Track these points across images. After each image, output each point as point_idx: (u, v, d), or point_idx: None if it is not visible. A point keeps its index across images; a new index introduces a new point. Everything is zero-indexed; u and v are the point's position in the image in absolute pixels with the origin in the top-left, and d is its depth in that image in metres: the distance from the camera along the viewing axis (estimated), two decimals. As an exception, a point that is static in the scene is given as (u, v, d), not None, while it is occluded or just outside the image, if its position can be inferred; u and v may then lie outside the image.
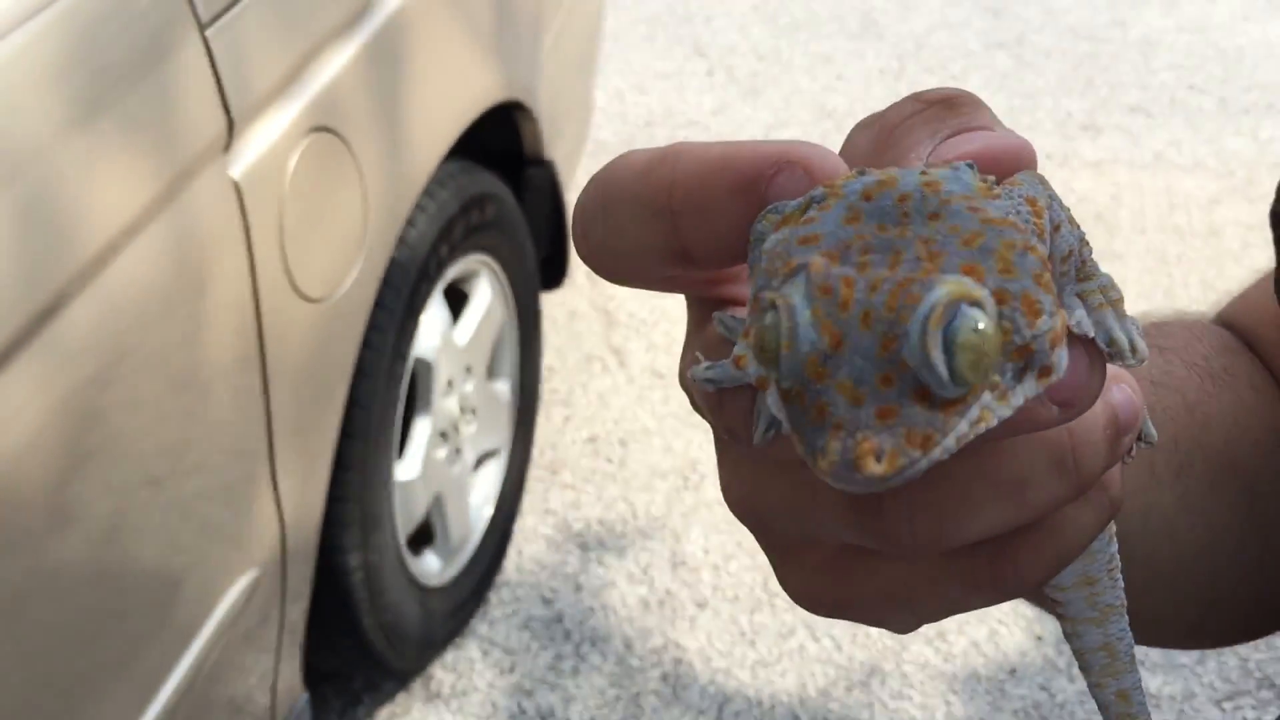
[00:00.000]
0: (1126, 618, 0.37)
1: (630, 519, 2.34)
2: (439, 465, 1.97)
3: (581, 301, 2.83)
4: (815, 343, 0.25)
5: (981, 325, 0.25)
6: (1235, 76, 3.69)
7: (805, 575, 0.32)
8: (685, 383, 0.32)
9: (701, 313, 0.32)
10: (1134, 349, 0.28)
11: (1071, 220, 0.28)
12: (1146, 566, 0.38)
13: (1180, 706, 1.98)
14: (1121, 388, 0.30)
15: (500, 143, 2.13)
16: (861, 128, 0.32)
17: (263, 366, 1.46)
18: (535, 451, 2.40)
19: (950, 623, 2.15)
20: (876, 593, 0.31)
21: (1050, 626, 2.13)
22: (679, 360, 0.33)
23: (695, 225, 0.29)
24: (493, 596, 2.19)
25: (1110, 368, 0.30)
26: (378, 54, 1.65)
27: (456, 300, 2.01)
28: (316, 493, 1.63)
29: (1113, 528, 0.36)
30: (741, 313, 0.30)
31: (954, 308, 0.25)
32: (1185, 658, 2.09)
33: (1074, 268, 0.28)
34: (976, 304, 0.25)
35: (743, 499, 0.32)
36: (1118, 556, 0.36)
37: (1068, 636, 0.37)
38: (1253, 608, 0.56)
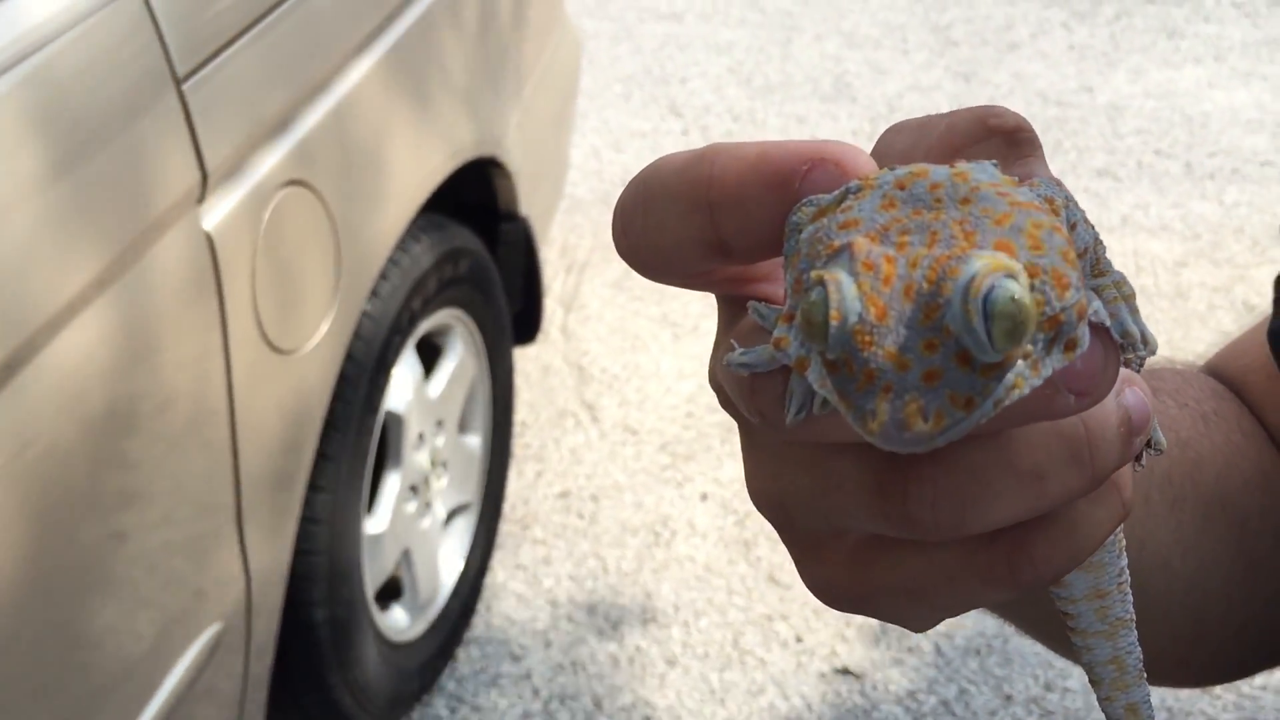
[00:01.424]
0: (1135, 632, 0.38)
1: (601, 575, 2.33)
2: (409, 519, 1.96)
3: (555, 357, 2.84)
4: (861, 314, 0.27)
5: (1017, 295, 0.26)
6: (1201, 142, 3.76)
7: (826, 569, 0.33)
8: (715, 380, 0.33)
9: (732, 312, 0.34)
10: (1145, 340, 0.30)
11: (1086, 220, 0.30)
12: (1140, 596, 0.39)
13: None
14: (1134, 391, 0.31)
15: (475, 198, 2.15)
16: (901, 131, 0.33)
17: (232, 419, 1.45)
18: (506, 506, 2.40)
19: (920, 681, 2.14)
20: (896, 586, 0.31)
21: (1020, 686, 2.12)
22: (709, 360, 0.34)
23: (732, 218, 0.31)
24: (461, 653, 2.18)
25: (1124, 371, 0.31)
26: (353, 109, 1.66)
27: (429, 354, 2.01)
28: (284, 546, 1.62)
29: (1123, 542, 0.37)
30: (774, 298, 0.32)
31: (992, 278, 0.26)
32: None
33: (1089, 264, 0.30)
34: (1012, 276, 0.27)
35: (768, 491, 0.33)
36: (1127, 570, 0.37)
37: (1078, 650, 0.38)
38: (1238, 644, 0.58)
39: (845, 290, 0.27)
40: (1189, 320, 2.99)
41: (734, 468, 2.51)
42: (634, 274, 3.13)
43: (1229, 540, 0.55)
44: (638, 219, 0.32)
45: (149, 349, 1.32)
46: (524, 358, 2.76)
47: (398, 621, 1.99)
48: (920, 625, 0.33)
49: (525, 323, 2.41)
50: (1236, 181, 3.56)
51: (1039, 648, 2.19)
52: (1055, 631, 0.49)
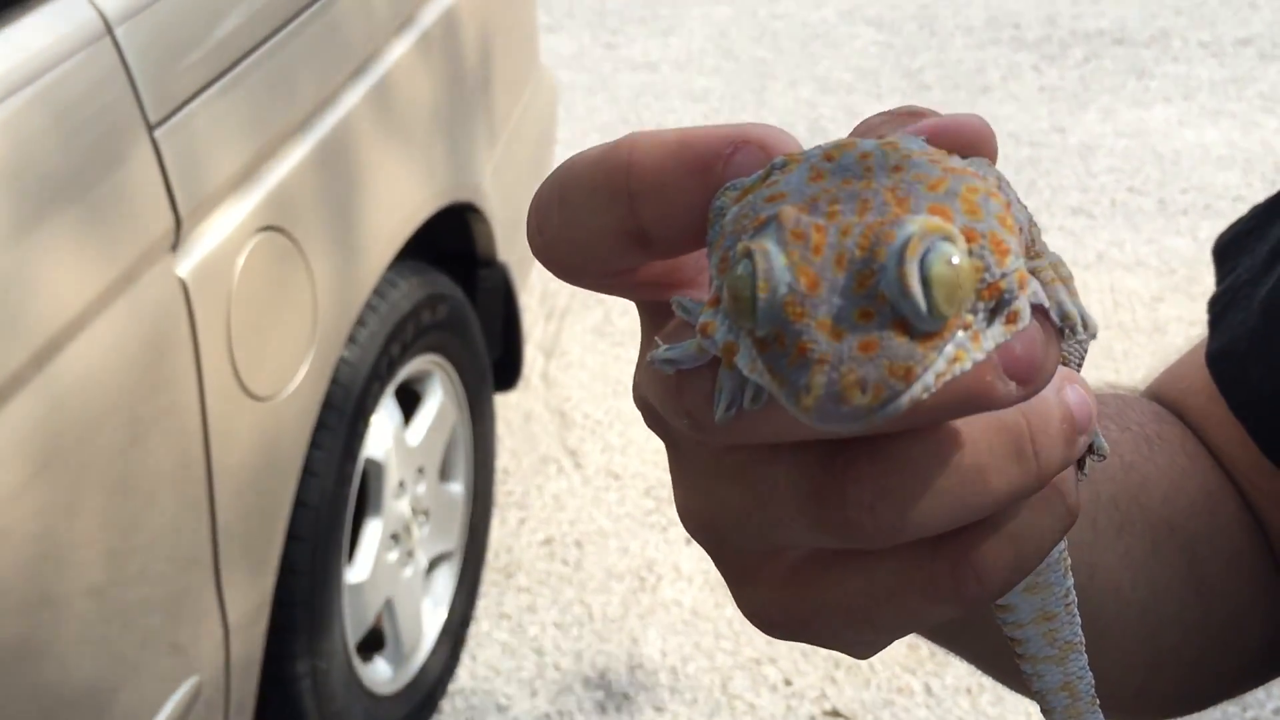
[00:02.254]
0: (1085, 656, 0.36)
1: (586, 622, 2.31)
2: (390, 568, 1.94)
3: (537, 404, 2.83)
4: (791, 284, 0.25)
5: (956, 259, 0.25)
6: (1173, 179, 3.79)
7: (763, 594, 0.31)
8: (639, 395, 0.31)
9: (654, 321, 0.32)
10: (1085, 323, 0.28)
11: (1019, 201, 0.29)
12: (1093, 624, 0.37)
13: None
14: (1075, 389, 0.30)
15: (454, 244, 2.15)
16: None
17: (208, 469, 1.43)
18: (490, 554, 2.37)
19: (912, 722, 2.12)
20: (836, 607, 0.30)
21: (1012, 724, 2.10)
22: (633, 377, 0.32)
23: (653, 205, 0.29)
24: (445, 704, 2.14)
25: (1066, 370, 0.30)
26: (329, 154, 1.66)
27: (409, 401, 2.00)
28: (262, 598, 1.59)
29: (1068, 561, 0.35)
30: (700, 298, 0.30)
31: (928, 240, 0.25)
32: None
33: (1025, 245, 0.29)
34: (948, 239, 0.25)
35: (698, 511, 0.31)
36: (1074, 592, 0.35)
37: (1028, 678, 0.36)
38: (1197, 671, 0.57)
39: (774, 261, 0.25)
40: (1167, 354, 2.99)
41: (718, 511, 2.48)
42: (616, 320, 3.14)
43: (1179, 565, 0.54)
44: (554, 214, 0.31)
45: (122, 399, 1.30)
46: (505, 405, 2.74)
47: (380, 673, 1.96)
48: (863, 650, 0.31)
49: (506, 369, 2.40)
50: (1210, 217, 3.59)
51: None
52: (1004, 663, 0.47)
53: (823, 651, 2.22)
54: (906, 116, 0.31)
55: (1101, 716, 0.37)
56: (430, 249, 1.99)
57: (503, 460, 2.60)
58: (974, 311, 0.26)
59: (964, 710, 2.13)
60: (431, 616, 2.08)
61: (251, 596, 1.56)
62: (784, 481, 0.28)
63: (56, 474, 1.22)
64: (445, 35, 2.02)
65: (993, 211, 0.26)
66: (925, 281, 0.25)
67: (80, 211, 1.25)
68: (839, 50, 4.68)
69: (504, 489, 2.57)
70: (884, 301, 0.25)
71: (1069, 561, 0.35)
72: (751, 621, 0.32)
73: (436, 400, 2.04)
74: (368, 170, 1.77)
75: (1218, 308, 0.59)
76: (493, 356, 2.27)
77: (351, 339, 1.74)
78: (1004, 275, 0.26)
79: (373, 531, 1.89)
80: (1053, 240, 3.49)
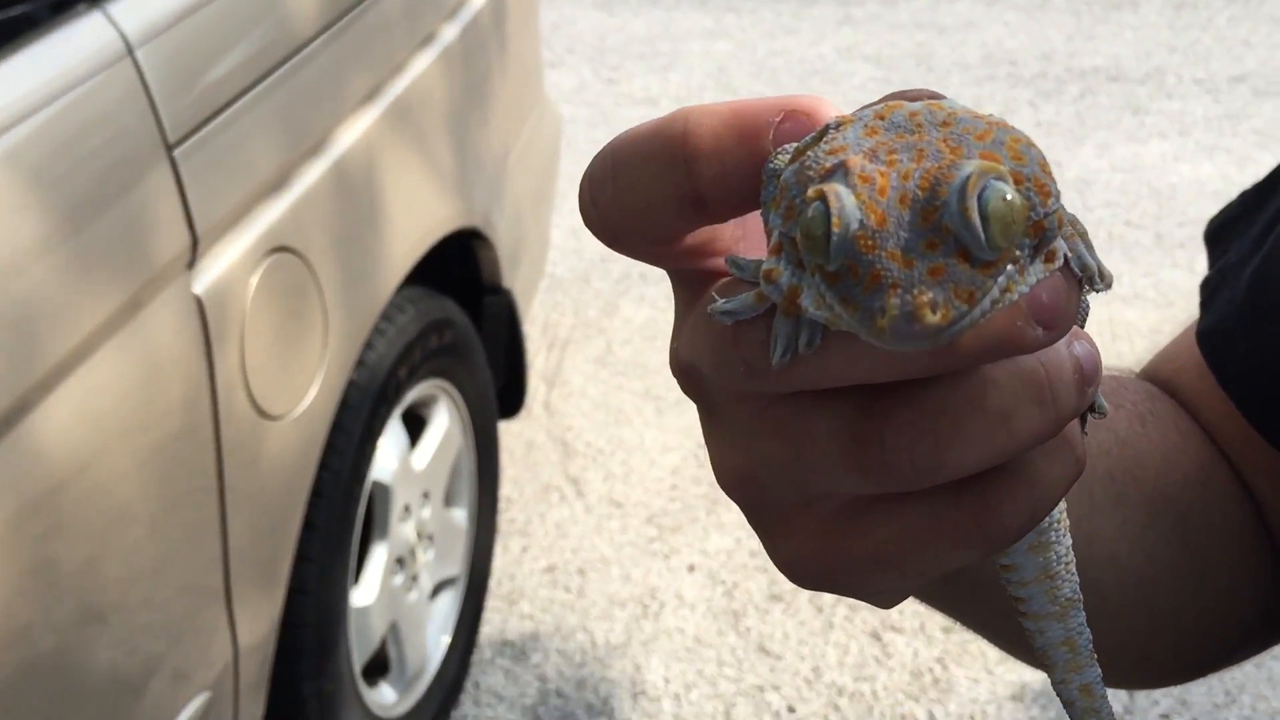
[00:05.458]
0: (1084, 613, 0.38)
1: (589, 649, 2.30)
2: (396, 592, 1.94)
3: (539, 433, 2.83)
4: (863, 220, 0.28)
5: (1010, 196, 0.28)
6: (1169, 213, 3.83)
7: (796, 543, 0.33)
8: (678, 360, 0.33)
9: (689, 292, 0.34)
10: (1102, 274, 0.31)
11: None
12: (1092, 593, 0.40)
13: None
14: (1083, 343, 0.32)
15: (459, 270, 2.16)
16: None
17: (220, 493, 1.44)
18: (493, 582, 2.37)
19: (916, 750, 2.12)
20: (866, 555, 0.32)
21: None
22: (670, 344, 0.34)
23: (709, 170, 0.32)
24: (449, 731, 2.14)
25: (1074, 327, 0.32)
26: (340, 179, 1.68)
27: (414, 426, 2.01)
28: (272, 619, 1.59)
29: (1066, 522, 0.38)
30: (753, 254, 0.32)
31: (985, 179, 0.28)
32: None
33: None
34: (1002, 178, 0.28)
35: (738, 467, 0.33)
36: (1072, 551, 0.38)
37: (1030, 635, 0.38)
38: (1196, 638, 0.59)
39: (844, 200, 0.28)
40: (1167, 385, 3.01)
41: (720, 539, 2.49)
42: (617, 350, 3.15)
43: (1174, 535, 0.56)
44: (608, 185, 0.33)
45: (137, 419, 1.31)
46: (508, 434, 2.75)
47: (385, 697, 1.96)
48: (888, 599, 0.34)
49: (510, 397, 2.41)
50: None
51: (1037, 716, 2.17)
52: (1004, 626, 0.50)
53: (826, 678, 2.22)
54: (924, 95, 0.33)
55: (1099, 670, 0.39)
56: (437, 275, 2.01)
57: (505, 489, 2.61)
58: (1021, 247, 0.29)
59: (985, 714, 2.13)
60: (436, 642, 2.08)
61: (261, 618, 1.56)
62: (825, 430, 0.30)
63: (59, 499, 1.22)
64: (453, 65, 2.05)
65: (1034, 158, 0.29)
66: (983, 216, 0.28)
67: (101, 228, 1.26)
68: (837, 86, 4.73)
69: (506, 517, 2.57)
70: (948, 233, 0.28)
71: (1067, 523, 0.38)
72: (784, 573, 0.34)
73: (442, 425, 2.05)
74: (377, 195, 1.79)
75: (1208, 290, 0.61)
76: (497, 384, 2.28)
77: (360, 361, 1.75)
78: (1046, 215, 0.29)
79: (378, 555, 1.89)
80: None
